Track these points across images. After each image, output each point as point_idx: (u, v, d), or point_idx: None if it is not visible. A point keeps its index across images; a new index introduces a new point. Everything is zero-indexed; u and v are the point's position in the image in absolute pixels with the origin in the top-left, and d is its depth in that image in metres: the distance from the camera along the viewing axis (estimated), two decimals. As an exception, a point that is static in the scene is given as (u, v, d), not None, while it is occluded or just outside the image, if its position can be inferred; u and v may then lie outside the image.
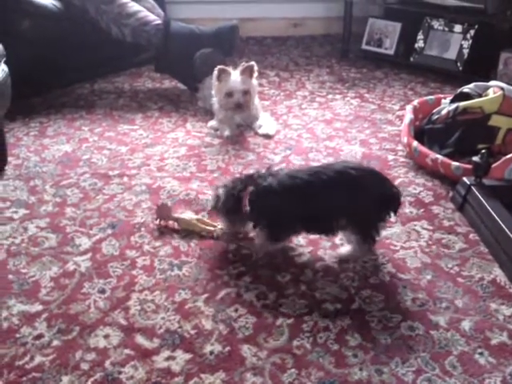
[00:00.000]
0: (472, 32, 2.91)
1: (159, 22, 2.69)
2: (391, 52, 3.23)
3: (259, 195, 1.52)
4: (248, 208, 1.53)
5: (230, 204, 1.56)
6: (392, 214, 1.55)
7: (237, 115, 2.39)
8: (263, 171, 1.59)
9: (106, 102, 2.74)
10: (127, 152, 2.21)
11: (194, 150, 2.23)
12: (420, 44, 3.09)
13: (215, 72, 2.29)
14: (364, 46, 3.34)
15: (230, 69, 2.29)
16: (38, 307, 1.39)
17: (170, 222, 1.70)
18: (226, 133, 2.34)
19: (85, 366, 1.22)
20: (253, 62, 2.33)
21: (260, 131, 2.37)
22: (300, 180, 1.50)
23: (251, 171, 1.80)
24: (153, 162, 2.12)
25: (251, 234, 1.65)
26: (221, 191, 1.59)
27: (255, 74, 2.34)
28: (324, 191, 1.47)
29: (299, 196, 1.49)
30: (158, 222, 1.71)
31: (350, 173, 1.48)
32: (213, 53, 2.61)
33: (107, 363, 1.23)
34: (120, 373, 1.21)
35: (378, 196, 1.50)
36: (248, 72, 2.31)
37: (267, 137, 2.34)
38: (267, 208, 1.52)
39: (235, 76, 2.30)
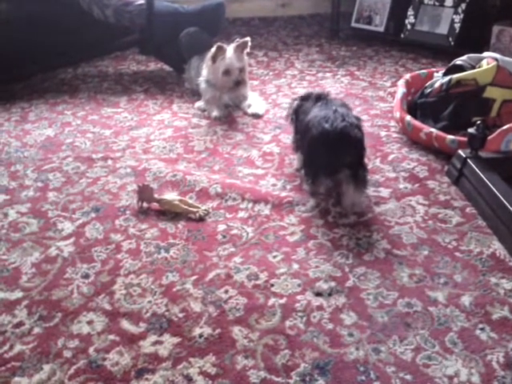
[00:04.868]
0: (463, 6, 2.84)
1: (142, 1, 2.60)
2: (381, 29, 3.16)
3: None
4: None
5: None
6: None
7: (225, 94, 2.31)
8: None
9: (90, 85, 2.66)
10: (111, 135, 2.13)
11: (180, 131, 2.16)
12: (410, 20, 3.02)
13: (212, 50, 2.20)
14: (353, 24, 3.27)
15: (226, 46, 2.21)
16: (18, 294, 1.33)
17: (153, 204, 1.64)
18: (214, 113, 2.26)
19: (67, 354, 1.16)
20: (248, 38, 2.24)
21: (249, 111, 2.29)
22: None
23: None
24: (138, 145, 2.05)
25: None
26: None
27: (247, 50, 2.26)
28: None
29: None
30: (139, 204, 1.64)
31: None
32: (198, 32, 2.53)
33: (91, 350, 1.17)
34: (104, 359, 1.15)
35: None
36: (241, 49, 2.24)
37: (256, 116, 2.27)
38: None
39: (230, 53, 2.21)
